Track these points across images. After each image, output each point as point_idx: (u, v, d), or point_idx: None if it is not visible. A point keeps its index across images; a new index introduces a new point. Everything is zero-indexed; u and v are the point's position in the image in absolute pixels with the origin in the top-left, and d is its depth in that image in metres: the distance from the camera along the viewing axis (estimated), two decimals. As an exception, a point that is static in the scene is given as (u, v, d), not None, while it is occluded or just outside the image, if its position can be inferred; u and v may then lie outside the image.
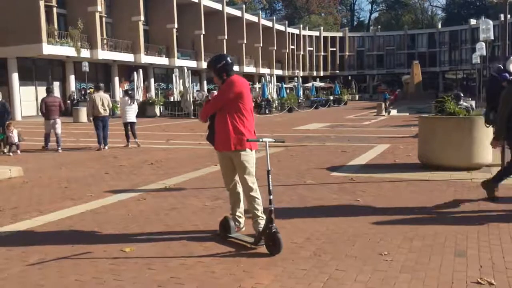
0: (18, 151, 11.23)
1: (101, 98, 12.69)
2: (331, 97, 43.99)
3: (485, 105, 6.84)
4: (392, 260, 3.88)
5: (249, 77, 54.18)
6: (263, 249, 4.12)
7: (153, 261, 3.98)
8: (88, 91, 33.67)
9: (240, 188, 4.61)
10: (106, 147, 12.64)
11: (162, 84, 43.53)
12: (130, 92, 14.15)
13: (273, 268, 3.78)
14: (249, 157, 4.44)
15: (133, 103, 13.14)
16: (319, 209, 5.60)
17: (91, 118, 12.70)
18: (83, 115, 26.02)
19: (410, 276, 3.54)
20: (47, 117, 12.63)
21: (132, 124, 12.97)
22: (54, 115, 12.59)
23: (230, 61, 4.48)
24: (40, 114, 13.52)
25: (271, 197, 4.12)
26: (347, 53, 75.37)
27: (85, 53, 32.33)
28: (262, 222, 4.33)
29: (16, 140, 11.45)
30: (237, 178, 4.59)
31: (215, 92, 4.76)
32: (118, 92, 37.57)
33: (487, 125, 6.58)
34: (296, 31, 67.61)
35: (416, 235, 4.52)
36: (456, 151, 7.88)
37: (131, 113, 12.93)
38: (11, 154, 11.22)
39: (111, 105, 13.17)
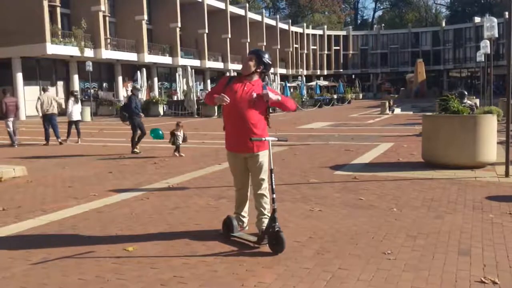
0: (176, 153, 10.57)
1: (48, 97, 14.28)
2: (335, 96, 43.92)
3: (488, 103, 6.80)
4: (395, 258, 3.87)
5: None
6: (266, 248, 4.11)
7: (156, 260, 3.98)
8: (91, 91, 33.80)
9: (249, 189, 4.58)
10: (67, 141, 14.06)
11: (166, 83, 43.62)
12: (75, 93, 15.47)
13: (276, 267, 3.78)
14: (267, 157, 4.40)
15: (77, 103, 14.69)
16: (322, 208, 5.59)
17: (41, 116, 14.14)
18: (86, 114, 26.27)
19: (413, 275, 3.53)
20: (7, 116, 13.82)
21: (77, 122, 14.48)
22: (12, 113, 13.87)
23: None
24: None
25: (274, 195, 4.12)
26: (350, 52, 75.23)
27: (89, 52, 32.42)
28: (266, 221, 4.32)
29: (180, 141, 10.67)
30: (247, 179, 4.54)
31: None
32: (122, 92, 37.67)
33: None
34: (299, 30, 67.52)
35: (420, 234, 4.51)
36: (460, 150, 7.85)
37: (77, 112, 14.50)
38: (177, 154, 10.57)
39: (60, 103, 14.80)
